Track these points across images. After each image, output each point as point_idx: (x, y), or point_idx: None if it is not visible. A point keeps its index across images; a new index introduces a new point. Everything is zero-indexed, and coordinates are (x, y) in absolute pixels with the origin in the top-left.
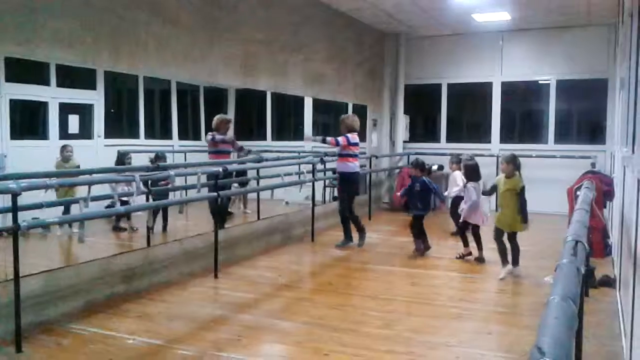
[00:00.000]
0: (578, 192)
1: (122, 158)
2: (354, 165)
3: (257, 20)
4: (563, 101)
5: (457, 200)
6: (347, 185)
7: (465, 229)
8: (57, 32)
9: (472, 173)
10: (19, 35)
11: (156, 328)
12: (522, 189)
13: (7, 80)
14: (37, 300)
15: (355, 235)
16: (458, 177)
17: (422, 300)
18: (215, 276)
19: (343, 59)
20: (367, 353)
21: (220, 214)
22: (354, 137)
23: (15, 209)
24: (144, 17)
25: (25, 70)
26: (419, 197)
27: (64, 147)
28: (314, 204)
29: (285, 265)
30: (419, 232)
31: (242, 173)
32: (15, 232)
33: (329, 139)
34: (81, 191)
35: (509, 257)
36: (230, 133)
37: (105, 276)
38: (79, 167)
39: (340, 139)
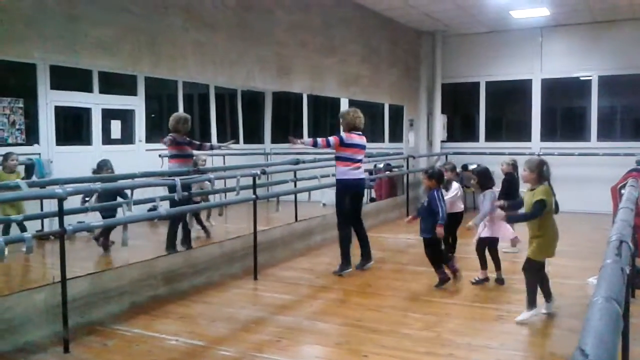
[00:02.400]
0: (622, 191)
1: (100, 170)
2: (347, 171)
3: (292, 23)
4: (606, 97)
5: (455, 217)
6: (339, 196)
7: (484, 247)
8: (99, 40)
9: (486, 179)
10: (64, 44)
11: (198, 329)
12: (538, 203)
13: (52, 87)
14: (83, 302)
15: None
16: (455, 187)
17: (462, 302)
18: (255, 278)
19: (378, 59)
20: (406, 355)
21: (185, 233)
22: (350, 137)
23: (61, 213)
24: (181, 23)
25: (69, 78)
26: (425, 215)
27: (7, 155)
28: None
29: (324, 267)
30: (435, 259)
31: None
32: (62, 236)
33: (320, 140)
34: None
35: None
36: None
37: (148, 278)
38: (23, 178)
39: (332, 138)
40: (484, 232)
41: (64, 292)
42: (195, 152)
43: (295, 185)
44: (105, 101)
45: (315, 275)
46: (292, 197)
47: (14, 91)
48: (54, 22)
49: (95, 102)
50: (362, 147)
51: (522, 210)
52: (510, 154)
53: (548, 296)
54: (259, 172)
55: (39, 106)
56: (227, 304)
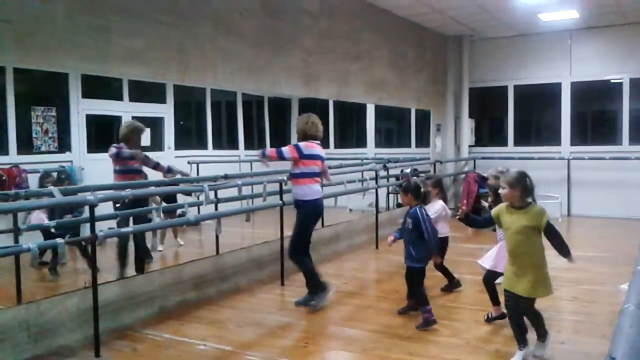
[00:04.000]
0: None
1: (42, 181)
2: (314, 189)
3: (318, 30)
4: (637, 100)
5: (441, 242)
6: (307, 221)
7: (494, 280)
8: (129, 49)
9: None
10: (95, 54)
11: (226, 334)
12: (549, 224)
13: (84, 96)
14: (114, 307)
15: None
16: (438, 208)
17: (490, 308)
18: (282, 283)
19: (404, 64)
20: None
21: (138, 256)
22: (310, 146)
23: (92, 219)
24: (209, 31)
25: (100, 87)
26: (411, 239)
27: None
28: (377, 211)
29: (351, 273)
30: (421, 294)
31: (171, 199)
32: (93, 242)
33: (268, 151)
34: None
35: (527, 333)
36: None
37: (177, 283)
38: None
39: (287, 149)
40: (488, 262)
41: (95, 297)
42: (150, 169)
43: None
44: (135, 109)
45: (342, 280)
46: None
47: (46, 100)
48: (85, 32)
49: (125, 110)
50: (323, 159)
51: (500, 236)
52: (540, 158)
53: (543, 335)
54: (285, 178)
55: (71, 114)
56: (255, 309)
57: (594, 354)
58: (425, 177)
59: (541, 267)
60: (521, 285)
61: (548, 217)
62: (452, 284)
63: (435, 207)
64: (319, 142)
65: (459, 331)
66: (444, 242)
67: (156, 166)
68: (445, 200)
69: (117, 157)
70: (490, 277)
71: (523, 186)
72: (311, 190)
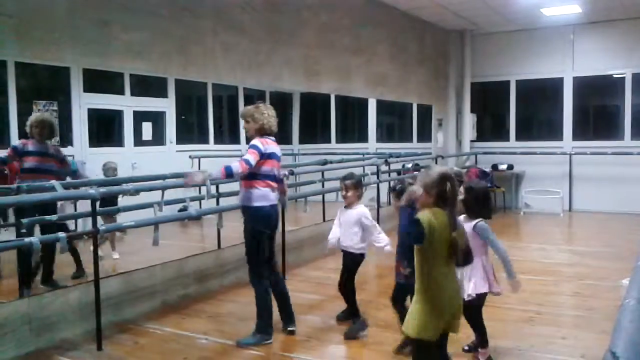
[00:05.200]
0: None
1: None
2: (268, 194)
3: (319, 24)
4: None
5: (353, 259)
6: (258, 234)
7: (480, 308)
8: (129, 43)
9: (484, 203)
10: (96, 48)
11: (227, 328)
12: (416, 225)
13: (85, 90)
14: (116, 301)
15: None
16: (359, 213)
17: (491, 304)
18: (283, 277)
19: (406, 58)
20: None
21: (26, 270)
22: (267, 143)
23: (94, 213)
24: (210, 26)
25: (101, 81)
26: (402, 249)
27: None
28: (379, 206)
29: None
30: (401, 309)
31: (109, 202)
32: (94, 236)
33: (235, 166)
34: None
35: None
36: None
37: (179, 277)
38: None
39: (249, 155)
40: (483, 287)
41: (97, 290)
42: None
43: (323, 186)
44: (137, 103)
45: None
46: (320, 197)
47: (48, 94)
48: (87, 27)
49: (126, 104)
50: (280, 159)
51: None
52: (541, 153)
53: None
54: (287, 173)
55: (73, 109)
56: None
57: (594, 349)
58: (344, 176)
59: (425, 298)
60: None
61: (422, 219)
62: (347, 314)
63: (357, 213)
64: (274, 138)
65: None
66: (358, 259)
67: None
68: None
69: (19, 153)
70: (475, 306)
71: (439, 191)
72: (263, 194)
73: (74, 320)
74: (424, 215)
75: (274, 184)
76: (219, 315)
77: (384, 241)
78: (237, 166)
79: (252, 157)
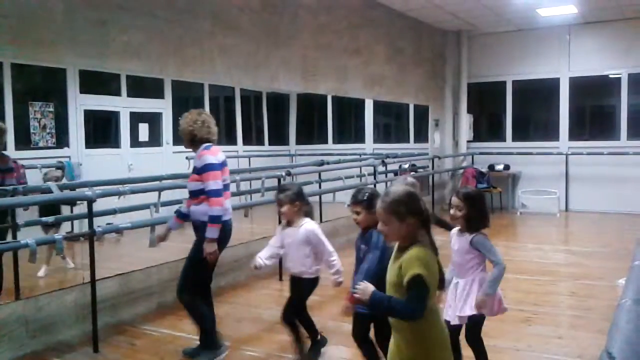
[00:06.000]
0: None
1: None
2: (228, 208)
3: (316, 25)
4: (636, 95)
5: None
6: (198, 246)
7: (480, 328)
8: (126, 44)
9: (485, 211)
10: (93, 49)
11: (224, 329)
12: (417, 283)
13: (82, 91)
14: (112, 302)
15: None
16: (309, 229)
17: None
18: (280, 278)
19: (403, 59)
20: None
21: None
22: (217, 151)
23: (91, 215)
24: (207, 27)
25: (98, 82)
26: (372, 275)
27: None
28: None
29: (349, 268)
30: (364, 345)
31: (52, 209)
32: (91, 237)
33: (215, 210)
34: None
35: None
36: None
37: (175, 279)
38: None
39: (214, 183)
40: (468, 308)
41: (94, 292)
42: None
43: (320, 187)
44: (133, 104)
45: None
46: (317, 198)
47: (44, 95)
48: (83, 27)
49: (123, 105)
50: (227, 164)
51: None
52: (538, 153)
53: None
54: (283, 174)
55: (69, 110)
56: (253, 304)
57: (590, 349)
58: (280, 187)
59: (421, 345)
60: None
61: (418, 271)
62: (315, 344)
63: (303, 230)
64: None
65: None
66: (312, 284)
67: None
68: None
69: None
70: (474, 330)
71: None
72: (223, 208)
73: (71, 322)
74: (422, 268)
75: (228, 194)
76: (216, 317)
77: (335, 267)
78: (216, 209)
79: (216, 182)
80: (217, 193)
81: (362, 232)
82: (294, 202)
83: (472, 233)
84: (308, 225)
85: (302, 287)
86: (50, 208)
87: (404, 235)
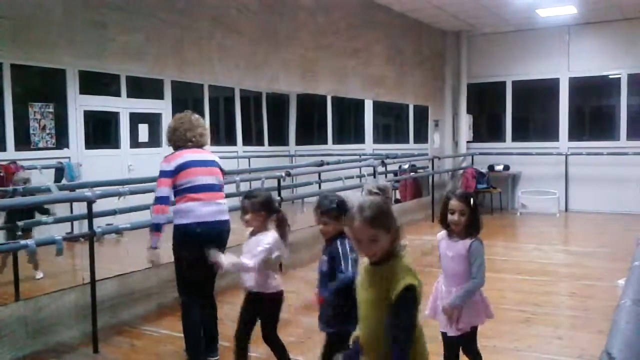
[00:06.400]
0: None
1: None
2: (188, 209)
3: (315, 26)
4: (635, 96)
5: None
6: (173, 250)
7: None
8: (125, 45)
9: (479, 213)
10: (92, 49)
11: (223, 330)
12: (406, 300)
13: (81, 92)
14: (112, 303)
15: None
16: (268, 240)
17: None
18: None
19: (402, 60)
20: (431, 357)
21: None
22: (173, 158)
23: (90, 216)
24: (206, 27)
25: (97, 83)
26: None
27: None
28: None
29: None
30: None
31: (23, 213)
32: (91, 238)
33: (154, 218)
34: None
35: None
36: None
37: (175, 280)
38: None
39: (158, 190)
40: (478, 317)
41: (94, 293)
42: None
43: (319, 187)
44: (133, 105)
45: None
46: (316, 198)
47: (44, 96)
48: (83, 28)
49: (123, 106)
50: (209, 163)
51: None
52: (537, 154)
53: None
54: (283, 174)
55: (69, 111)
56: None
57: (590, 349)
58: (246, 193)
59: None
60: None
61: (410, 281)
62: None
63: (259, 240)
64: (195, 147)
65: None
66: (277, 302)
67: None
68: (283, 231)
69: None
70: (469, 341)
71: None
72: (187, 210)
73: (70, 323)
74: (414, 278)
75: (204, 195)
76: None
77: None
78: (154, 217)
79: (160, 189)
80: (158, 200)
81: (327, 242)
82: (259, 212)
83: (471, 238)
84: (264, 237)
85: (267, 305)
86: (22, 212)
87: (389, 248)
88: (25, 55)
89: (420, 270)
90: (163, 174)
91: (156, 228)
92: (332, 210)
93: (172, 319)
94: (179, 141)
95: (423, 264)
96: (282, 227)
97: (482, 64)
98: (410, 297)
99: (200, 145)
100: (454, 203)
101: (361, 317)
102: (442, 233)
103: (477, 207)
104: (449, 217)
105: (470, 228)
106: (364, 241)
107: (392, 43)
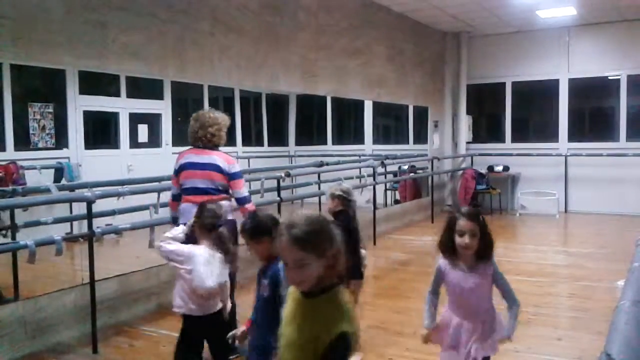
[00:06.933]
0: None
1: None
2: (183, 210)
3: (315, 26)
4: (635, 97)
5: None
6: None
7: None
8: (125, 45)
9: (489, 236)
10: (92, 49)
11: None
12: (335, 344)
13: (81, 92)
14: (111, 303)
15: None
16: (203, 258)
17: None
18: None
19: (402, 60)
20: (431, 358)
21: None
22: (181, 157)
23: (90, 216)
24: (207, 27)
25: (97, 83)
26: (264, 316)
27: None
28: (375, 208)
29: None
30: None
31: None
32: (90, 238)
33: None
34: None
35: None
36: None
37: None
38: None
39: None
40: (492, 348)
41: (93, 293)
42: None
43: (319, 188)
44: (133, 105)
45: None
46: (316, 199)
47: (44, 96)
48: (83, 28)
49: (122, 106)
50: (204, 166)
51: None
52: (537, 155)
53: None
54: (283, 175)
55: (68, 111)
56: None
57: (590, 350)
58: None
59: None
60: None
61: (345, 329)
62: None
63: (192, 254)
64: (204, 146)
65: None
66: (214, 321)
67: None
68: (226, 248)
69: None
70: None
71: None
72: (182, 211)
73: (70, 323)
74: (349, 323)
75: (194, 198)
76: None
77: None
78: (171, 212)
79: (172, 188)
80: (170, 196)
81: (265, 264)
82: (205, 227)
83: (486, 262)
84: (194, 248)
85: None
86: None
87: (323, 276)
88: (25, 55)
89: (421, 270)
90: (173, 171)
91: (172, 221)
92: (267, 230)
93: (171, 318)
94: (191, 139)
95: (423, 264)
96: (223, 243)
97: (482, 65)
98: (342, 347)
99: (210, 145)
100: (462, 223)
101: (281, 357)
102: (444, 262)
103: (487, 223)
104: (458, 239)
105: (484, 251)
106: (290, 265)
107: (392, 44)
